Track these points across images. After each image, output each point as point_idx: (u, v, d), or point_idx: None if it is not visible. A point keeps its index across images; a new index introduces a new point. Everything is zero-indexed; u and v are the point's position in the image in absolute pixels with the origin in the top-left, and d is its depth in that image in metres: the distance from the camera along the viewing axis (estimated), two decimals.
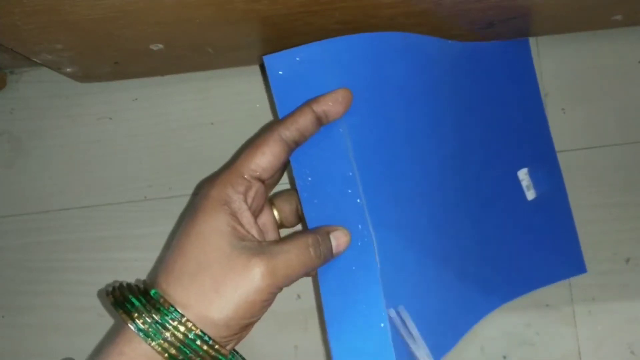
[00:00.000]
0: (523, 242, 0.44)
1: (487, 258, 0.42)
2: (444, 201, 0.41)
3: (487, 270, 0.42)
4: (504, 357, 0.45)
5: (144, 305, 0.30)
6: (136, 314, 0.30)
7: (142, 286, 0.31)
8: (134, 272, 0.46)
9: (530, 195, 0.45)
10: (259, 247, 0.31)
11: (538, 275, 0.44)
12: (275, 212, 0.37)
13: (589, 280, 0.46)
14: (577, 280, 0.46)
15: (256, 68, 0.47)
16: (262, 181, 0.33)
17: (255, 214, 0.33)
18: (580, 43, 0.47)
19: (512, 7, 0.40)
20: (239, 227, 0.31)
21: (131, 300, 0.30)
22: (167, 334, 0.29)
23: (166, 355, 0.29)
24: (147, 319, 0.29)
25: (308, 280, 0.46)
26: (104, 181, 0.47)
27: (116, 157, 0.47)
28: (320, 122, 0.34)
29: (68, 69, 0.43)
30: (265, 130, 0.33)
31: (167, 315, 0.30)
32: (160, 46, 0.39)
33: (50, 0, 0.30)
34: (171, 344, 0.29)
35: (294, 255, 0.31)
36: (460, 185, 0.42)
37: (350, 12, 0.37)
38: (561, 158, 0.47)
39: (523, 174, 0.45)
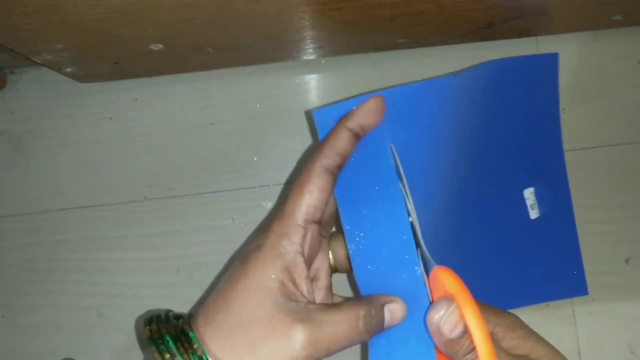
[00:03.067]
0: (524, 259, 0.44)
1: (488, 271, 0.42)
2: (457, 218, 0.40)
3: (488, 281, 0.42)
4: None
5: (177, 349, 0.28)
6: (168, 355, 0.28)
7: (180, 323, 0.29)
8: (134, 272, 0.46)
9: (534, 214, 0.45)
10: (306, 312, 0.29)
11: (537, 292, 0.44)
12: (330, 256, 0.35)
13: (589, 280, 0.46)
14: None
15: (256, 68, 0.47)
16: (318, 222, 0.31)
17: (311, 260, 0.32)
18: (580, 43, 0.47)
19: (512, 7, 0.40)
20: (289, 284, 0.29)
21: (167, 339, 0.29)
22: None
23: None
24: None
25: None
26: (104, 181, 0.47)
27: (116, 157, 0.47)
28: (358, 137, 0.32)
29: (68, 69, 0.43)
30: (305, 165, 0.31)
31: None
32: (160, 46, 0.39)
33: (50, 0, 0.30)
34: None
35: (342, 328, 0.29)
36: (469, 200, 0.42)
37: (350, 12, 0.37)
38: None
39: (528, 193, 0.45)
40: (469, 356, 0.29)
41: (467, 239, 0.42)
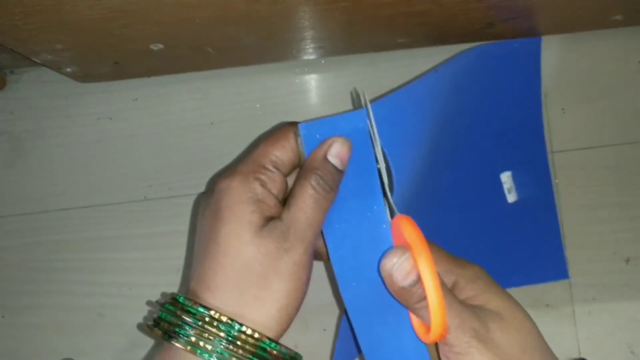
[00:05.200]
0: (503, 242, 0.45)
1: (468, 255, 0.42)
2: (436, 202, 0.42)
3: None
4: None
5: (201, 328, 0.28)
6: (194, 339, 0.28)
7: (186, 304, 0.29)
8: (134, 272, 0.46)
9: (511, 197, 0.45)
10: (282, 225, 0.30)
11: (517, 275, 0.44)
12: None
13: (589, 280, 0.46)
14: (577, 280, 0.46)
15: (256, 68, 0.47)
16: (284, 175, 0.32)
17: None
18: (580, 43, 0.47)
19: (512, 7, 0.40)
20: (264, 209, 0.30)
21: (184, 326, 0.28)
22: (237, 350, 0.28)
23: None
24: (210, 340, 0.28)
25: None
26: (104, 181, 0.47)
27: (116, 157, 0.47)
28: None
29: (68, 69, 0.43)
30: (281, 127, 0.32)
31: (231, 331, 0.28)
32: (160, 46, 0.39)
33: (50, 0, 0.30)
34: (242, 357, 0.28)
35: (306, 205, 0.30)
36: (446, 184, 0.43)
37: (350, 12, 0.37)
38: (561, 158, 0.47)
39: (506, 177, 0.45)
40: (419, 304, 0.29)
41: (446, 224, 0.43)
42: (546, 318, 0.45)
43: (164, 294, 0.46)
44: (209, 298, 0.29)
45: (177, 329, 0.28)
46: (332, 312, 0.45)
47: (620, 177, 0.47)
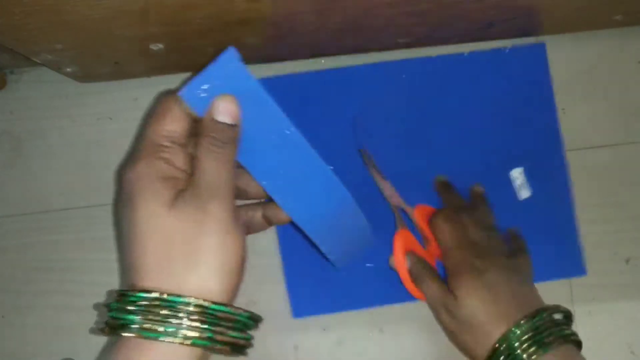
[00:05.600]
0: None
1: None
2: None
3: None
4: None
5: (145, 312, 0.28)
6: (142, 325, 0.28)
7: (127, 294, 0.29)
8: None
9: (524, 194, 0.45)
10: (192, 191, 0.30)
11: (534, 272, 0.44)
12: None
13: (589, 280, 0.46)
14: (577, 280, 0.46)
15: (256, 68, 0.47)
16: (183, 145, 0.32)
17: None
18: (580, 43, 0.47)
19: (512, 7, 0.40)
20: (175, 184, 0.30)
21: (129, 317, 0.28)
22: (186, 323, 0.28)
23: (190, 342, 0.28)
24: (157, 322, 0.28)
25: None
26: (104, 181, 0.47)
27: (116, 157, 0.47)
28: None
29: (68, 69, 0.43)
30: (162, 101, 0.32)
31: (175, 306, 0.28)
32: (160, 46, 0.39)
33: (50, 0, 0.30)
34: (193, 329, 0.28)
35: (206, 164, 0.30)
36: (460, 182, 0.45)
37: (350, 12, 0.37)
38: None
39: (517, 173, 0.45)
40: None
41: None
42: None
43: (109, 292, 0.46)
44: (146, 282, 0.29)
45: (123, 322, 0.28)
46: (332, 312, 0.45)
47: (620, 177, 0.47)
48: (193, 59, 0.44)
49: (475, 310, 0.38)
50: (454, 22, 0.41)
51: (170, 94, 0.32)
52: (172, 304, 0.28)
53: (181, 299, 0.28)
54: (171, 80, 0.47)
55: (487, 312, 0.37)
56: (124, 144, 0.47)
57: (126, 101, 0.47)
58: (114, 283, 0.46)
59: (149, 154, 0.31)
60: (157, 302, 0.28)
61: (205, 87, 0.31)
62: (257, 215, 0.37)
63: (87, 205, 0.47)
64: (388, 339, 0.45)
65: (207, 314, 0.29)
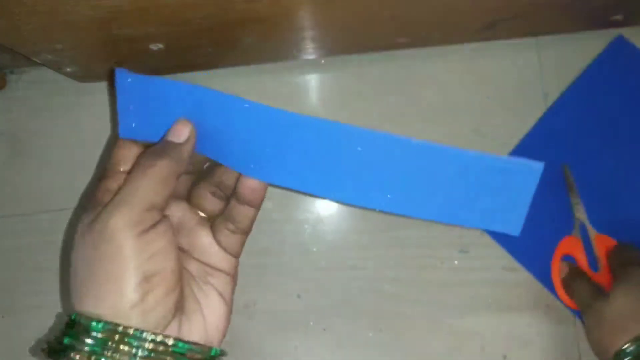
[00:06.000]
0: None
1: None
2: None
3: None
4: (504, 357, 0.45)
5: (76, 338, 0.27)
6: (77, 352, 0.27)
7: (70, 320, 0.28)
8: None
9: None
10: (101, 212, 0.29)
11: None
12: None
13: None
14: None
15: (256, 68, 0.47)
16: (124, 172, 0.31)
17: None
18: (580, 43, 0.47)
19: (512, 7, 0.40)
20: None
21: (62, 341, 0.27)
22: (108, 353, 0.27)
23: None
24: (83, 343, 0.27)
25: (308, 280, 0.46)
26: None
27: None
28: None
29: (68, 69, 0.43)
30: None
31: (90, 332, 0.27)
32: (160, 46, 0.39)
33: (51, 0, 0.30)
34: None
35: (127, 181, 0.29)
36: None
37: (350, 12, 0.37)
38: None
39: None
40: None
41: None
42: (546, 318, 0.45)
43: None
44: (84, 307, 0.28)
45: (64, 348, 0.27)
46: (332, 312, 0.45)
47: None
48: (193, 59, 0.44)
49: (622, 307, 0.38)
50: (454, 22, 0.41)
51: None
52: (93, 328, 0.27)
53: (99, 324, 0.27)
54: None
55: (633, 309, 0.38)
56: None
57: None
58: None
59: (93, 185, 0.31)
60: (80, 326, 0.27)
61: (131, 116, 0.32)
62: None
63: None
64: (388, 339, 0.45)
65: (128, 336, 0.27)
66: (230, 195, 0.33)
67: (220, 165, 0.33)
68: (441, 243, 0.46)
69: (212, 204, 0.34)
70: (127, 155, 0.31)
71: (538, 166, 0.29)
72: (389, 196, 0.30)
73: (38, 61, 0.40)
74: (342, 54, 0.47)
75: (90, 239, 0.28)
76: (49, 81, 0.47)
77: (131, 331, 0.27)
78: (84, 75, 0.45)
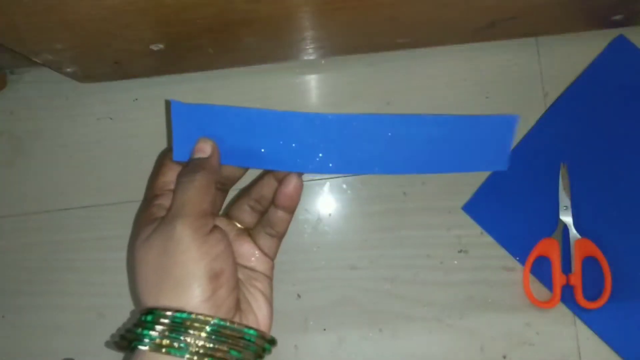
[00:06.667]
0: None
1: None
2: None
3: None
4: (504, 357, 0.45)
5: (165, 330, 0.30)
6: (158, 340, 0.30)
7: (144, 315, 0.31)
8: None
9: None
10: (162, 220, 0.33)
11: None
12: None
13: None
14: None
15: (256, 68, 0.47)
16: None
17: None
18: (580, 43, 0.47)
19: (512, 7, 0.40)
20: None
21: (144, 333, 0.30)
22: (190, 339, 0.30)
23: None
24: (170, 337, 0.30)
25: (308, 280, 0.46)
26: (104, 181, 0.47)
27: (116, 157, 0.47)
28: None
29: (68, 69, 0.43)
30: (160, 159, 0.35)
31: (177, 321, 0.30)
32: (160, 46, 0.39)
33: (51, 0, 0.30)
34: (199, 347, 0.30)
35: (176, 193, 0.33)
36: None
37: (350, 12, 0.37)
38: None
39: None
40: None
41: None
42: (546, 318, 0.45)
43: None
44: (162, 303, 0.31)
45: (141, 337, 0.31)
46: (332, 312, 0.45)
47: None
48: (193, 59, 0.44)
49: None
50: (454, 22, 0.41)
51: (165, 153, 0.36)
52: (176, 320, 0.30)
53: (182, 315, 0.30)
54: (171, 80, 0.47)
55: None
56: (124, 144, 0.47)
57: (126, 101, 0.47)
58: (114, 283, 0.46)
59: (146, 204, 0.35)
60: (165, 319, 0.30)
61: (184, 142, 0.35)
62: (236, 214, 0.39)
63: (87, 205, 0.47)
64: (388, 339, 0.45)
65: (211, 325, 0.30)
66: (269, 205, 0.37)
67: (260, 181, 0.38)
68: (440, 243, 0.46)
69: (250, 216, 0.38)
70: (175, 176, 0.35)
71: (514, 117, 0.38)
72: (407, 163, 0.38)
73: (38, 61, 0.40)
74: (342, 54, 0.47)
75: (156, 247, 0.32)
76: (49, 81, 0.48)
77: (211, 320, 0.30)
78: (84, 75, 0.45)
